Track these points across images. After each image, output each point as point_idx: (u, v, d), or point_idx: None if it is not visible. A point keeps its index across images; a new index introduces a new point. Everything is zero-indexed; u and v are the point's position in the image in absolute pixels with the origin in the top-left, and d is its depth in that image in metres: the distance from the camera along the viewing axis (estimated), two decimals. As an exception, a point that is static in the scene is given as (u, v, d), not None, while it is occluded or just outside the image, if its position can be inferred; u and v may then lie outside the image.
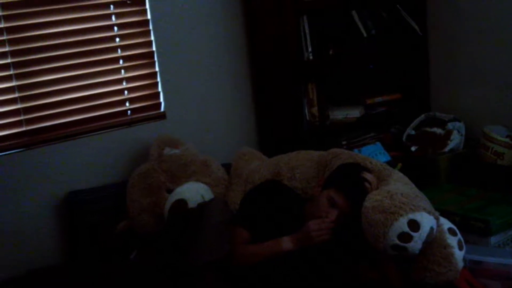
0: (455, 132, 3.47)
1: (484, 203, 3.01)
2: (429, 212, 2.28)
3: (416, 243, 2.23)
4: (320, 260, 2.41)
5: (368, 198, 2.40)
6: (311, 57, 3.41)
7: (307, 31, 3.38)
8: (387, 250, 2.28)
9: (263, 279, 2.38)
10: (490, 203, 3.00)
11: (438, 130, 3.54)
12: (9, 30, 2.97)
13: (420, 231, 2.22)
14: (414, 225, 2.22)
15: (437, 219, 2.33)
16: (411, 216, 2.23)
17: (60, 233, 3.19)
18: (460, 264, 2.31)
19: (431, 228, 2.26)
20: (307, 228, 2.39)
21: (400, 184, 2.49)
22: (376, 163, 2.71)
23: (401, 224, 2.22)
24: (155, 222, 2.98)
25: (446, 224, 2.39)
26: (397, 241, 2.23)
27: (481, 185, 3.20)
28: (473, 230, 2.83)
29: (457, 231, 2.38)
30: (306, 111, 3.50)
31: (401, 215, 2.23)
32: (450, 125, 3.52)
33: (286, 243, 2.42)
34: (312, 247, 2.39)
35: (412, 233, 2.21)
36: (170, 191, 2.97)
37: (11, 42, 2.98)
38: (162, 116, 3.43)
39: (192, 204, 2.83)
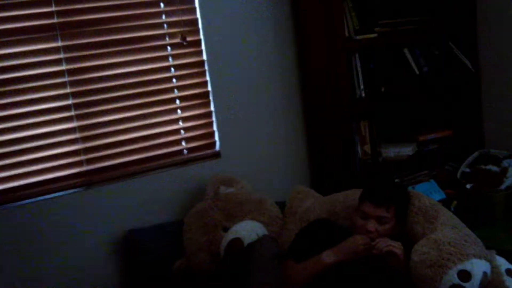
0: (510, 169, 3.42)
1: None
2: (479, 257, 2.24)
3: None
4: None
5: (415, 250, 2.38)
6: (363, 95, 3.42)
7: (359, 69, 3.40)
8: None
9: None
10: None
11: (493, 168, 3.50)
12: (70, 72, 3.06)
13: (472, 280, 2.19)
14: (465, 275, 2.19)
15: (490, 261, 2.28)
16: (460, 266, 2.20)
17: (119, 271, 3.24)
18: (521, 306, 2.26)
19: (484, 273, 2.22)
20: (350, 239, 2.44)
21: (447, 229, 2.45)
22: (425, 201, 2.67)
23: (451, 277, 2.19)
24: (211, 261, 2.99)
25: (504, 265, 2.35)
26: None
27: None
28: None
29: (516, 271, 2.33)
30: (359, 148, 3.50)
31: (450, 268, 2.20)
32: (505, 162, 3.48)
33: (327, 255, 2.46)
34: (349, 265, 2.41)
35: (464, 284, 2.18)
36: (226, 229, 2.98)
37: (72, 83, 3.07)
38: (217, 155, 3.47)
39: (247, 242, 2.84)
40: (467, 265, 2.19)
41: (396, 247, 2.39)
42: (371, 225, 2.50)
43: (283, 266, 2.60)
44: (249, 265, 2.63)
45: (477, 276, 2.19)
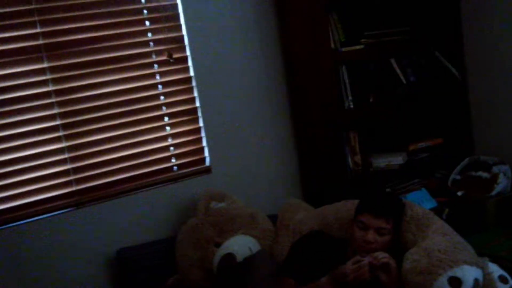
0: (501, 175, 3.42)
1: (536, 246, 2.95)
2: (471, 264, 2.23)
3: None
4: None
5: (406, 258, 2.38)
6: (351, 106, 3.43)
7: (346, 80, 3.40)
8: None
9: None
10: (543, 246, 2.94)
11: (484, 174, 3.50)
12: (57, 92, 3.07)
13: (463, 287, 2.18)
14: (455, 282, 2.19)
15: (482, 268, 2.28)
16: (450, 273, 2.20)
17: (112, 291, 3.23)
18: (514, 312, 2.25)
19: (476, 280, 2.21)
20: (344, 267, 2.38)
21: (438, 237, 2.45)
22: (417, 210, 2.67)
23: (441, 284, 2.19)
24: (204, 277, 2.99)
25: (496, 271, 2.33)
26: None
27: (532, 228, 3.15)
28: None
29: (509, 278, 2.32)
30: (349, 159, 3.50)
31: (440, 274, 2.20)
32: (495, 168, 3.48)
33: (324, 282, 2.43)
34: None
35: None
36: (218, 245, 2.98)
37: (60, 104, 3.08)
38: (208, 170, 3.47)
39: (240, 257, 2.84)
40: (457, 272, 2.19)
41: (391, 260, 2.38)
42: (371, 236, 2.48)
43: (280, 284, 2.58)
44: (247, 281, 2.62)
45: (468, 283, 2.18)
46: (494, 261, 2.41)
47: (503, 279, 2.30)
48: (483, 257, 2.38)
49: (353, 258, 2.40)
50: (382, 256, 2.38)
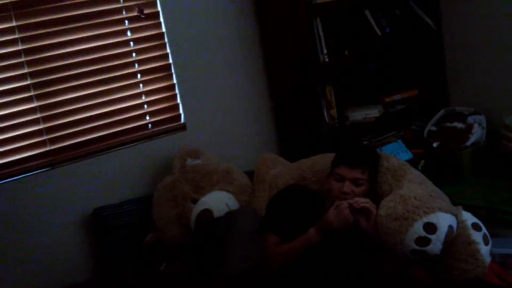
0: (476, 125, 3.44)
1: (510, 195, 2.98)
2: (445, 211, 2.25)
3: (435, 245, 2.21)
4: (341, 252, 2.40)
5: (382, 206, 2.40)
6: (326, 59, 3.40)
7: (321, 33, 3.36)
8: (407, 255, 2.27)
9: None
10: (517, 194, 2.97)
11: (459, 125, 3.52)
12: (27, 51, 3.01)
13: (437, 233, 2.20)
14: (430, 227, 2.21)
15: (456, 215, 2.30)
16: (426, 219, 2.21)
17: (89, 249, 3.23)
18: (487, 259, 2.28)
19: (450, 227, 2.24)
20: (327, 215, 2.41)
21: (414, 185, 2.47)
22: (394, 161, 2.70)
23: (416, 229, 2.21)
24: (182, 233, 3.01)
25: (470, 219, 2.36)
26: (415, 246, 2.22)
27: (506, 177, 3.17)
28: (501, 223, 2.80)
29: (482, 225, 2.35)
30: (325, 113, 3.49)
31: (415, 220, 2.22)
32: (470, 119, 3.50)
33: (312, 234, 2.44)
34: (336, 236, 2.40)
35: (429, 236, 2.20)
36: (195, 201, 2.99)
37: (30, 63, 3.02)
38: (183, 127, 3.45)
39: (217, 213, 2.85)
40: (432, 218, 2.21)
41: (371, 205, 2.41)
42: (347, 187, 2.50)
43: (263, 240, 2.60)
44: (228, 237, 2.63)
45: (442, 229, 2.20)
46: (468, 209, 2.43)
47: (476, 227, 2.32)
48: (457, 206, 2.40)
49: (334, 205, 2.43)
50: (363, 200, 2.41)
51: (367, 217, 2.40)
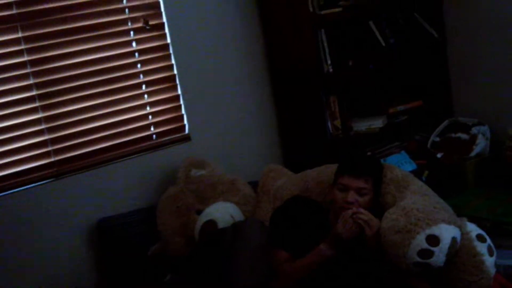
0: (480, 136, 3.44)
1: (515, 206, 2.98)
2: (448, 223, 2.24)
3: (439, 257, 2.20)
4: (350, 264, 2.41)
5: (384, 218, 2.40)
6: (331, 70, 3.40)
7: (325, 44, 3.37)
8: (410, 268, 2.26)
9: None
10: (521, 206, 2.96)
11: (463, 135, 3.51)
12: (32, 63, 3.02)
13: (440, 245, 2.19)
14: (433, 239, 2.19)
15: (460, 227, 2.29)
16: (428, 231, 2.20)
17: (93, 260, 3.23)
18: (492, 271, 2.27)
19: (453, 239, 2.23)
20: (336, 228, 2.40)
21: (417, 197, 2.47)
22: (397, 172, 2.69)
23: (419, 242, 2.20)
24: (186, 244, 3.01)
25: (474, 231, 2.34)
26: (418, 259, 2.21)
27: (510, 188, 3.16)
28: (506, 234, 2.78)
29: (486, 237, 2.34)
30: (329, 124, 3.49)
31: (418, 233, 2.21)
32: (474, 129, 3.50)
33: (325, 249, 2.43)
34: (348, 249, 2.40)
35: (432, 248, 2.19)
36: (199, 212, 2.99)
37: (35, 74, 3.03)
38: (187, 138, 3.46)
39: (221, 224, 2.86)
40: (435, 230, 2.20)
41: (374, 221, 2.40)
42: (352, 197, 2.49)
43: (272, 257, 2.58)
44: (236, 248, 2.62)
45: (445, 241, 2.20)
46: (472, 221, 2.43)
47: (481, 238, 2.31)
48: (461, 217, 2.40)
49: (340, 217, 2.42)
50: (362, 214, 2.40)
51: (370, 226, 2.39)
